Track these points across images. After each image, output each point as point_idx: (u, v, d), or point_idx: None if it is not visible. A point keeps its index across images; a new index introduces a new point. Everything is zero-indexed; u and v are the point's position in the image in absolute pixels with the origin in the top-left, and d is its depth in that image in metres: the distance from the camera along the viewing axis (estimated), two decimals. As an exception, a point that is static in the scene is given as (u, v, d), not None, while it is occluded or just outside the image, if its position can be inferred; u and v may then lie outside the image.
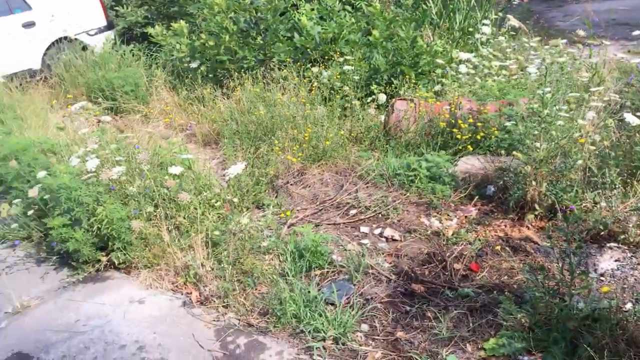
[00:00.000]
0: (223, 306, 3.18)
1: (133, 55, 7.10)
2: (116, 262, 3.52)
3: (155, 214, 3.68)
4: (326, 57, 6.07)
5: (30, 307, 3.32)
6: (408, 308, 3.05)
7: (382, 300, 3.11)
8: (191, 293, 3.33)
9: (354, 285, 3.24)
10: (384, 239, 3.75)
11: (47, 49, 7.35)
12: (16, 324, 3.18)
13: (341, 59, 5.85)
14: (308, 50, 6.18)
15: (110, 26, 7.94)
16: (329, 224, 3.96)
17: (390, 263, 3.47)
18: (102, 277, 3.56)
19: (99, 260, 3.58)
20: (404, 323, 2.94)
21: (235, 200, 4.03)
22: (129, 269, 3.60)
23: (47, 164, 4.03)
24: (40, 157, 4.20)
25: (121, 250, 3.53)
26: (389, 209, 4.04)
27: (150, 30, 6.75)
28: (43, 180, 3.66)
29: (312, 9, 6.73)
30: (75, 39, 7.48)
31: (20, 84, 6.54)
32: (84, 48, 7.44)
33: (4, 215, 3.74)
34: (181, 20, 6.75)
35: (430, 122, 4.79)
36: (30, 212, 3.76)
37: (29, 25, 7.14)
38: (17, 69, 6.95)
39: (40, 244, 3.85)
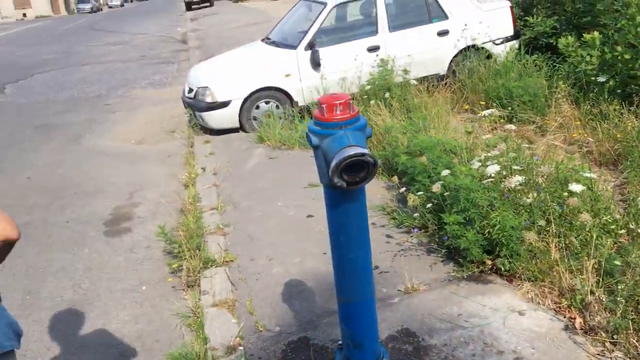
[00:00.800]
0: (611, 342, 2.93)
1: (535, 65, 7.06)
2: (502, 269, 3.59)
3: (546, 229, 3.61)
4: None
5: (418, 291, 3.66)
6: None
7: None
8: (575, 319, 3.17)
9: None
10: None
11: (455, 56, 7.90)
12: (406, 303, 3.55)
13: None
14: None
15: (516, 36, 8.05)
16: None
17: None
18: (484, 279, 3.68)
19: (484, 263, 3.71)
20: None
21: (640, 230, 3.64)
22: (511, 278, 3.63)
23: (449, 163, 4.36)
24: (443, 156, 4.57)
25: (507, 258, 3.58)
26: None
27: (560, 40, 6.60)
28: (445, 178, 3.97)
29: None
30: (482, 47, 7.83)
31: (427, 87, 7.19)
32: (489, 56, 7.73)
33: (410, 204, 4.20)
34: (594, 32, 6.39)
35: None
36: (429, 205, 4.13)
37: (443, 33, 7.78)
38: (428, 73, 7.66)
39: (433, 236, 4.20)
